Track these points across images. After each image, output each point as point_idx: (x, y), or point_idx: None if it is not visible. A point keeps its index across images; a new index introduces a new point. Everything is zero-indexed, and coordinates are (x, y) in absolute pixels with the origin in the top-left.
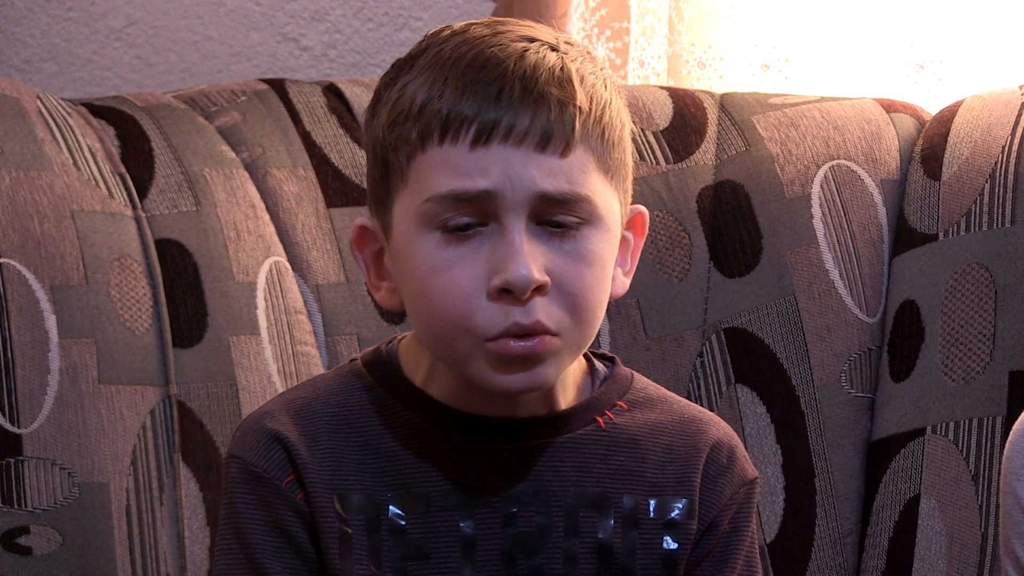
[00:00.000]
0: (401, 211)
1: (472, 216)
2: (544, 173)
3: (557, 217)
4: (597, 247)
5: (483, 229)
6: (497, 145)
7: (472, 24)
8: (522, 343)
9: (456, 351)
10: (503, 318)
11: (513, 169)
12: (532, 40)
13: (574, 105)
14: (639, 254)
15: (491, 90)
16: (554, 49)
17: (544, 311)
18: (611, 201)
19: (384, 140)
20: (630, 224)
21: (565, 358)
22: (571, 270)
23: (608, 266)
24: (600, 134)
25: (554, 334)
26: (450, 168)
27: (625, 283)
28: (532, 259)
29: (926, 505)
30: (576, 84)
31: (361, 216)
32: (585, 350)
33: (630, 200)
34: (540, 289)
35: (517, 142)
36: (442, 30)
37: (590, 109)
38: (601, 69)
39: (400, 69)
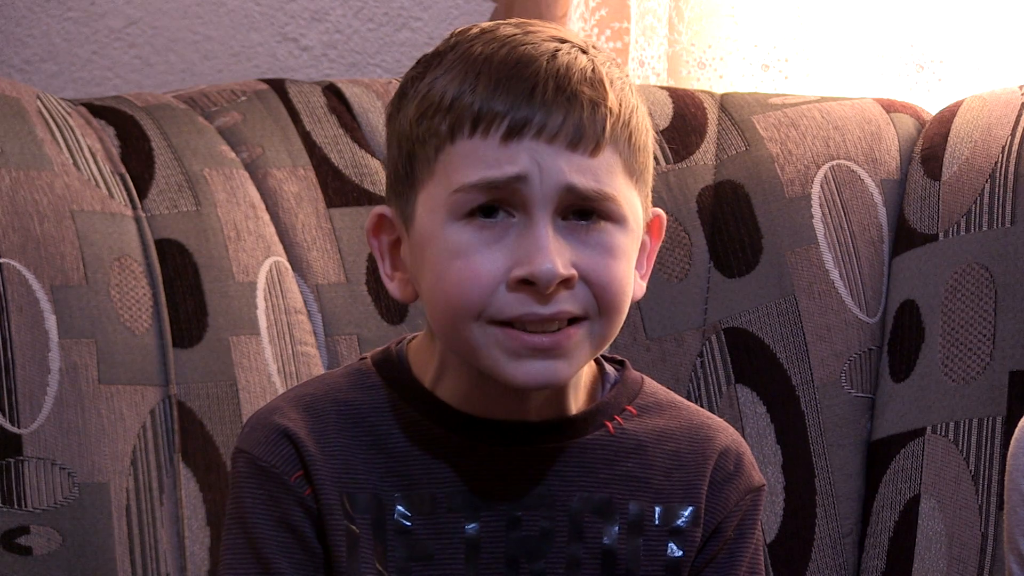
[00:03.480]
0: (426, 202)
1: (500, 203)
2: (573, 168)
3: (582, 208)
4: (621, 242)
5: (511, 219)
6: (528, 141)
7: (501, 24)
8: (541, 337)
9: (467, 339)
10: (519, 307)
11: (543, 159)
12: (563, 41)
13: (605, 106)
14: (655, 257)
15: (524, 87)
16: (584, 51)
17: (569, 300)
18: (635, 204)
19: (411, 133)
20: (647, 227)
21: (586, 351)
22: (599, 262)
23: (632, 264)
24: (627, 137)
25: (582, 318)
26: (480, 159)
27: (642, 286)
28: (558, 253)
29: (926, 505)
30: (607, 86)
31: (362, 214)
32: (603, 349)
33: (650, 204)
34: (566, 283)
35: (549, 139)
36: (469, 28)
37: (619, 112)
38: (626, 74)
39: (428, 65)
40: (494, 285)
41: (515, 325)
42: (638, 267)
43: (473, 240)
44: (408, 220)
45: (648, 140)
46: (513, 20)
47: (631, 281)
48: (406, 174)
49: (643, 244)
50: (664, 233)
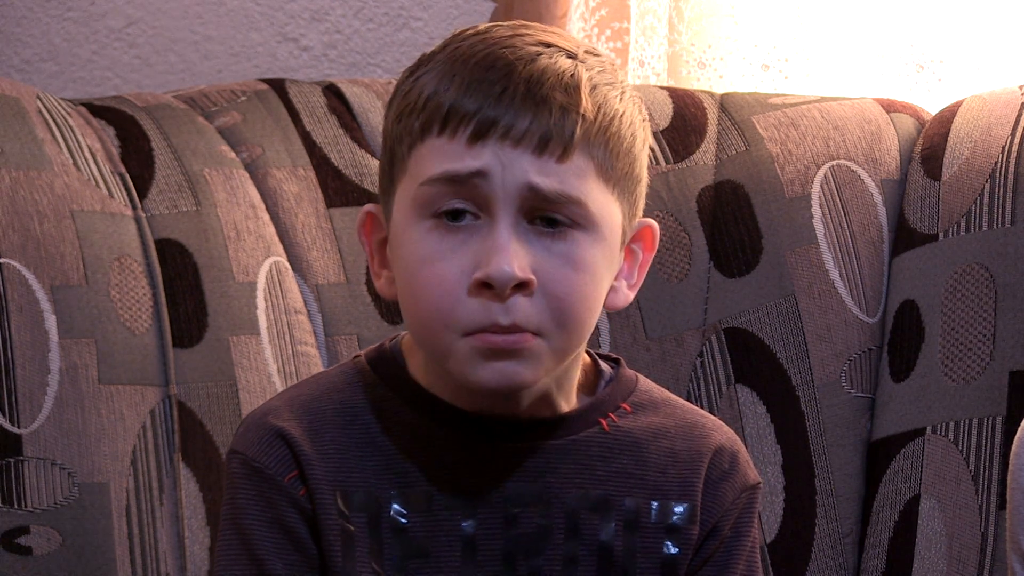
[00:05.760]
0: (400, 199)
1: (464, 202)
2: (537, 170)
3: (548, 215)
4: (588, 252)
5: (476, 222)
6: (494, 142)
7: (496, 25)
8: (501, 336)
9: (437, 344)
10: (483, 315)
11: (507, 159)
12: (549, 45)
13: (577, 112)
14: (647, 268)
15: (494, 89)
16: (571, 56)
17: (524, 312)
18: (610, 210)
19: (392, 131)
20: (639, 237)
21: (546, 361)
22: (558, 272)
23: (600, 274)
24: (604, 143)
25: (535, 334)
26: (445, 156)
27: (629, 296)
28: (516, 255)
29: (926, 505)
30: (584, 92)
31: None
32: (570, 357)
33: (640, 213)
34: (524, 287)
35: (514, 143)
36: (467, 29)
37: (595, 118)
38: (621, 81)
39: (420, 64)
40: (459, 290)
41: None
42: (627, 277)
43: (439, 245)
44: (388, 218)
45: (636, 147)
46: (511, 22)
47: (597, 295)
48: (387, 172)
49: (634, 254)
50: (658, 244)
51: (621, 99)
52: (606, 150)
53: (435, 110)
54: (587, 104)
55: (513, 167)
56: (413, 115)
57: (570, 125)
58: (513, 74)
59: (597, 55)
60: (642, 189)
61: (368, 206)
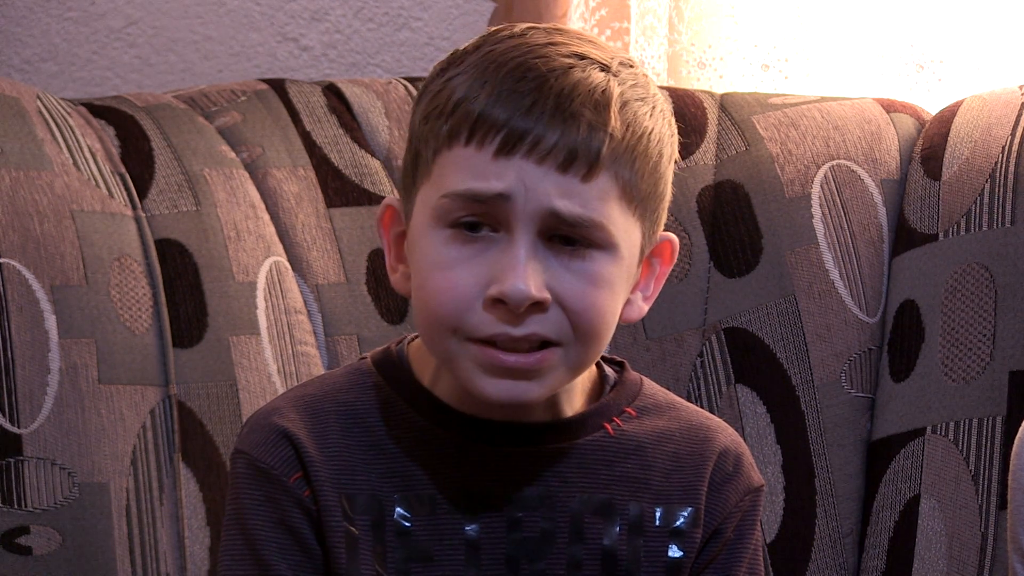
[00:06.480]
0: (421, 202)
1: (483, 219)
2: (560, 192)
3: (567, 235)
4: (607, 270)
5: (494, 235)
6: (519, 159)
7: (532, 28)
8: (516, 357)
9: (445, 349)
10: (493, 326)
11: (530, 180)
12: (583, 57)
13: (605, 131)
14: (663, 281)
15: (524, 102)
16: (604, 69)
17: (542, 323)
18: (630, 231)
19: (418, 131)
20: (658, 251)
21: (560, 375)
22: (576, 289)
23: (618, 291)
24: (631, 162)
25: (555, 343)
26: (470, 169)
27: (643, 309)
28: (533, 274)
29: (926, 505)
30: (613, 109)
31: (362, 214)
32: (583, 371)
33: (660, 228)
34: (539, 306)
35: (540, 159)
36: (502, 29)
37: (623, 136)
38: (653, 95)
39: (452, 61)
40: (471, 300)
41: (490, 343)
42: (643, 290)
43: (455, 253)
44: (408, 216)
45: (662, 164)
46: (548, 25)
47: (614, 309)
48: (411, 171)
49: (652, 267)
50: (676, 258)
51: (651, 115)
52: (632, 170)
53: (463, 117)
54: (616, 123)
55: (536, 189)
56: (441, 119)
57: (597, 143)
58: (544, 87)
59: (631, 66)
60: (665, 205)
61: (388, 199)
